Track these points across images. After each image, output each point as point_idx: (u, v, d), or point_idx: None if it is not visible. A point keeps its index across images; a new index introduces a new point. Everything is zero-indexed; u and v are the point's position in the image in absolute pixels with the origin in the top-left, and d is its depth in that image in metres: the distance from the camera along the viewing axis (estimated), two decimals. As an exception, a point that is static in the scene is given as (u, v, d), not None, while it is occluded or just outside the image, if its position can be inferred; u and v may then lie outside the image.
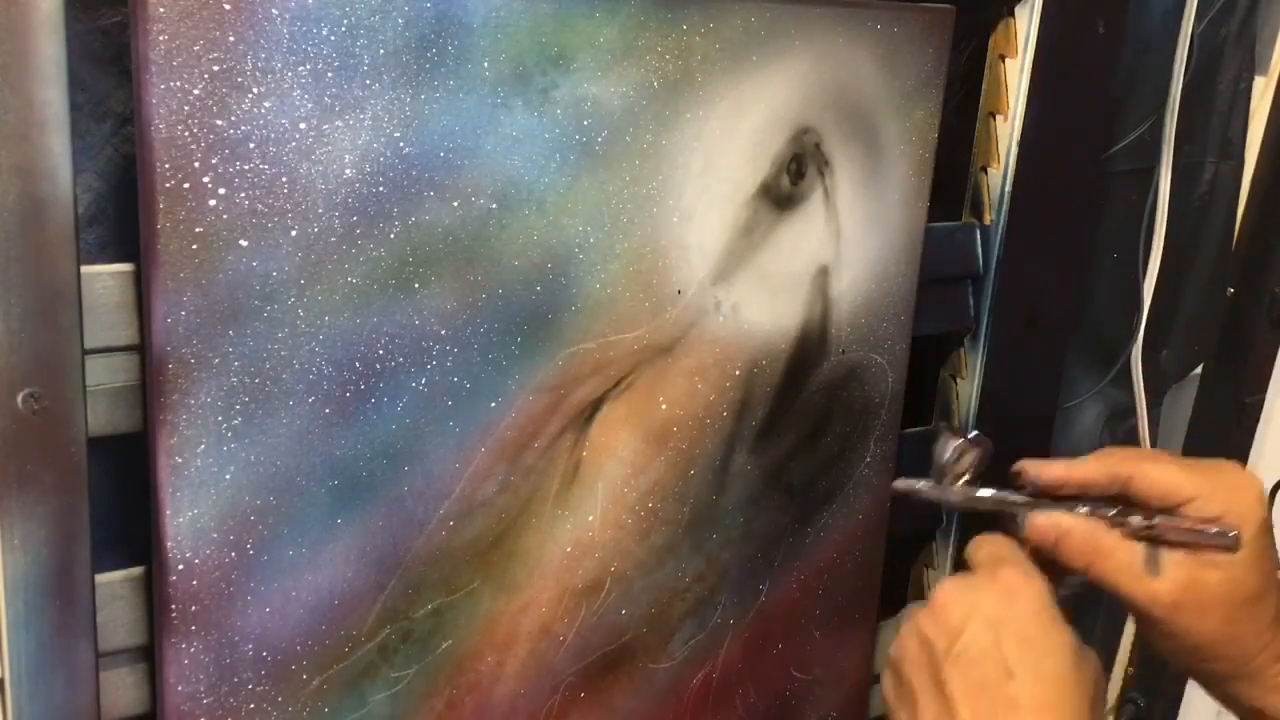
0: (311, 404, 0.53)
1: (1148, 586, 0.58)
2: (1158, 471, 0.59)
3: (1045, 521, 0.59)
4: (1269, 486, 1.01)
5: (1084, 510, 0.59)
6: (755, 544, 0.71)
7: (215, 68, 0.48)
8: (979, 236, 0.80)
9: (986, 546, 0.59)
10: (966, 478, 0.59)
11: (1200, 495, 0.58)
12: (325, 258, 0.52)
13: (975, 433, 0.60)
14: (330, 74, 0.51)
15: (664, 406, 0.64)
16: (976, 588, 0.56)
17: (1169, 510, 0.58)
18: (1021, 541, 0.59)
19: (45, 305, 0.48)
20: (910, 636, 0.57)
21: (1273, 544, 0.59)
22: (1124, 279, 0.91)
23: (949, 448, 0.59)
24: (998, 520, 0.61)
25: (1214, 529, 0.57)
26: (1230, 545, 0.57)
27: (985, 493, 0.59)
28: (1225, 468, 0.60)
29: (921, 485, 0.62)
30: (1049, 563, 0.59)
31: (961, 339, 0.82)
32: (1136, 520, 0.57)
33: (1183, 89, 0.85)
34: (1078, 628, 0.57)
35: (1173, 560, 0.58)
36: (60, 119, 0.47)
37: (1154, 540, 0.58)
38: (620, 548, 0.65)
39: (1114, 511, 0.58)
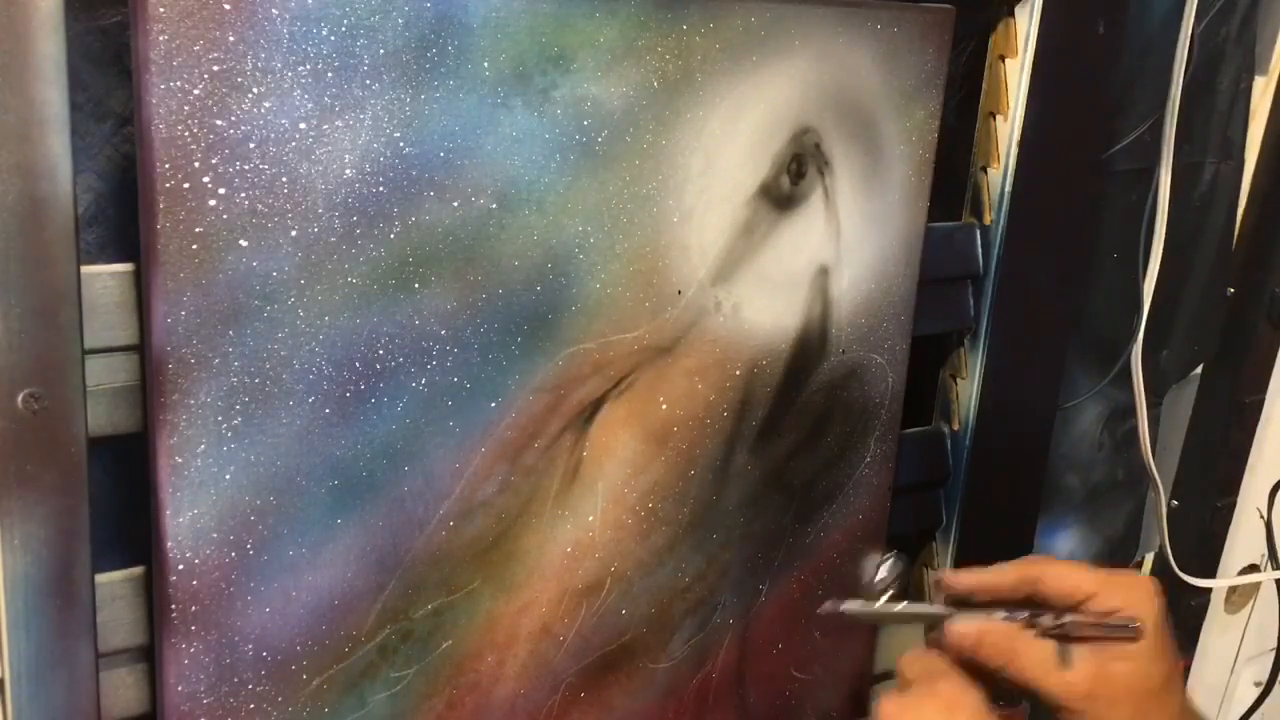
0: (311, 404, 0.53)
1: (1061, 679, 0.61)
2: (1062, 572, 0.63)
3: (963, 627, 0.63)
4: (1269, 486, 1.02)
5: (1000, 615, 0.63)
6: (755, 544, 0.71)
7: (215, 68, 0.48)
8: (979, 236, 0.80)
9: (919, 662, 0.63)
10: (891, 593, 0.63)
11: (1100, 591, 0.62)
12: (325, 258, 0.52)
13: (894, 551, 0.64)
14: (330, 74, 0.51)
15: (664, 406, 0.64)
16: (919, 700, 0.60)
17: (1074, 608, 0.62)
18: (944, 648, 0.63)
19: (45, 305, 0.48)
20: None
21: (1171, 639, 0.64)
22: (1124, 279, 0.91)
23: (871, 567, 0.63)
24: (924, 631, 0.65)
25: (1117, 621, 0.61)
26: (1133, 634, 0.61)
27: (910, 606, 0.64)
28: (1123, 570, 0.66)
29: (850, 605, 0.66)
30: (977, 672, 0.62)
31: (961, 339, 0.82)
32: (1047, 620, 0.62)
33: (1183, 89, 0.85)
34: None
35: (1083, 654, 0.62)
36: (60, 119, 0.47)
37: (1064, 637, 0.62)
38: (620, 548, 0.65)
39: (1026, 614, 0.63)
